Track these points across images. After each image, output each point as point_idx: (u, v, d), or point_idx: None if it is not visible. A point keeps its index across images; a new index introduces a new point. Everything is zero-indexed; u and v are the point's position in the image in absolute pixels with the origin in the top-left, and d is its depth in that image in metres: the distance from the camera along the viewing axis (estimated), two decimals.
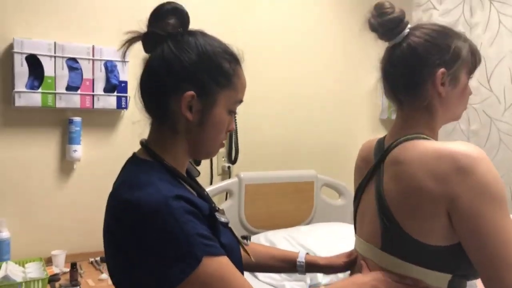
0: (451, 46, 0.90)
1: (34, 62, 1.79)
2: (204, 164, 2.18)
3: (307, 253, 1.11)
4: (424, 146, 0.85)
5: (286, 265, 1.11)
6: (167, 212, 0.71)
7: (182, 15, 0.83)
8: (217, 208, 0.87)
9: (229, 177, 2.21)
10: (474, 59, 0.94)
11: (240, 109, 0.88)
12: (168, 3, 0.83)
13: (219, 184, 2.10)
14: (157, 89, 0.82)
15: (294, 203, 2.24)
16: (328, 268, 1.09)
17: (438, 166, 0.80)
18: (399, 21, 0.91)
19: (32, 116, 1.84)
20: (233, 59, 0.84)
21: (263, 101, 2.28)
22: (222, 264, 0.74)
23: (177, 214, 0.71)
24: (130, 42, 0.84)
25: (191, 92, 0.79)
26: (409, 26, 0.92)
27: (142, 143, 0.86)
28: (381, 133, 2.70)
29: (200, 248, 0.71)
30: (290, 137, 2.41)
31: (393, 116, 2.61)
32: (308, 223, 2.27)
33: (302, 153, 2.44)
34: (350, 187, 2.36)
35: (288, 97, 2.40)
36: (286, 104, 2.39)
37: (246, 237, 0.98)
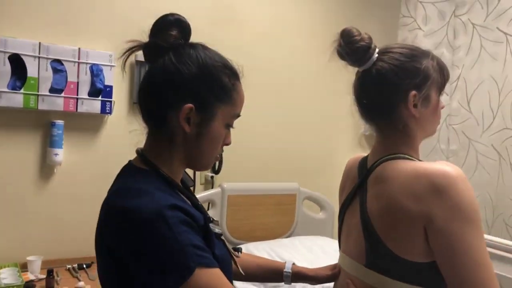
0: (420, 68, 0.91)
1: (17, 62, 1.75)
2: (187, 173, 2.16)
3: (294, 263, 1.13)
4: (404, 165, 0.88)
5: (273, 275, 1.13)
6: (162, 221, 0.71)
7: (184, 27, 0.84)
8: (211, 219, 0.88)
9: (212, 187, 2.20)
10: (442, 75, 0.96)
11: None
12: (171, 14, 0.83)
13: (202, 194, 2.09)
14: (156, 99, 0.83)
15: (276, 215, 2.24)
16: (313, 278, 1.12)
17: (416, 185, 0.82)
18: (367, 49, 0.92)
19: (13, 118, 1.80)
20: (233, 74, 0.86)
21: (248, 113, 2.28)
22: (214, 275, 0.74)
23: (172, 224, 0.72)
24: (131, 51, 0.84)
25: (190, 105, 0.80)
26: (377, 50, 0.93)
27: (138, 151, 0.87)
28: (365, 148, 2.74)
29: (194, 258, 0.72)
30: (273, 149, 2.42)
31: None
32: (289, 236, 2.28)
33: (285, 166, 2.45)
34: (331, 201, 2.38)
35: (273, 109, 2.41)
36: (271, 116, 2.41)
37: (237, 249, 1.00)
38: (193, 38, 0.86)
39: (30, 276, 1.70)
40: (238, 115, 0.88)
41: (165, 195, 0.76)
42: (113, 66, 1.91)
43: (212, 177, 2.21)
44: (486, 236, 1.65)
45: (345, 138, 2.68)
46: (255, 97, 2.37)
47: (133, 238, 0.72)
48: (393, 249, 0.85)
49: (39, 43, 1.78)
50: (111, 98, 1.93)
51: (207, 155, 0.86)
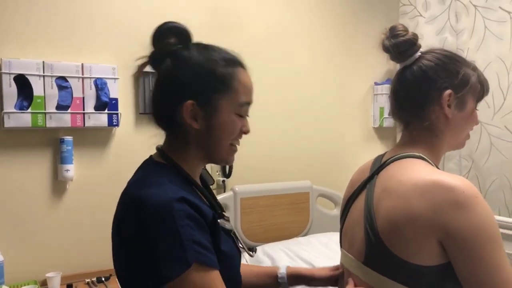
0: (460, 71, 0.93)
1: (22, 82, 1.76)
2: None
3: (288, 266, 1.14)
4: (423, 170, 0.86)
5: (271, 280, 1.13)
6: (168, 213, 0.74)
7: (180, 33, 0.89)
8: (223, 215, 0.91)
9: (224, 191, 2.20)
10: (482, 89, 0.98)
11: None
12: (166, 22, 0.89)
13: None
14: (161, 103, 0.89)
15: (290, 215, 2.23)
16: (310, 279, 1.11)
17: (435, 195, 0.80)
18: (412, 44, 0.95)
19: (23, 137, 1.82)
20: (230, 64, 0.88)
21: (255, 114, 2.28)
22: (210, 276, 0.76)
23: (177, 216, 0.74)
24: (142, 66, 0.92)
25: (190, 101, 0.84)
26: (421, 50, 0.97)
27: (157, 148, 0.92)
28: (374, 141, 2.72)
29: (192, 254, 0.74)
30: (283, 149, 2.40)
31: (385, 124, 2.63)
32: (305, 234, 2.26)
33: (296, 164, 2.43)
34: None
35: (280, 109, 2.40)
36: (278, 116, 2.40)
37: (252, 249, 1.03)
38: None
39: None
40: (247, 103, 0.90)
41: (176, 188, 0.79)
42: (117, 78, 1.92)
43: (223, 181, 2.21)
44: (508, 219, 1.62)
45: (354, 134, 2.66)
46: (262, 98, 2.36)
47: (140, 225, 0.76)
48: (394, 250, 0.84)
49: (43, 62, 1.80)
50: (117, 110, 1.94)
51: (221, 146, 0.89)
